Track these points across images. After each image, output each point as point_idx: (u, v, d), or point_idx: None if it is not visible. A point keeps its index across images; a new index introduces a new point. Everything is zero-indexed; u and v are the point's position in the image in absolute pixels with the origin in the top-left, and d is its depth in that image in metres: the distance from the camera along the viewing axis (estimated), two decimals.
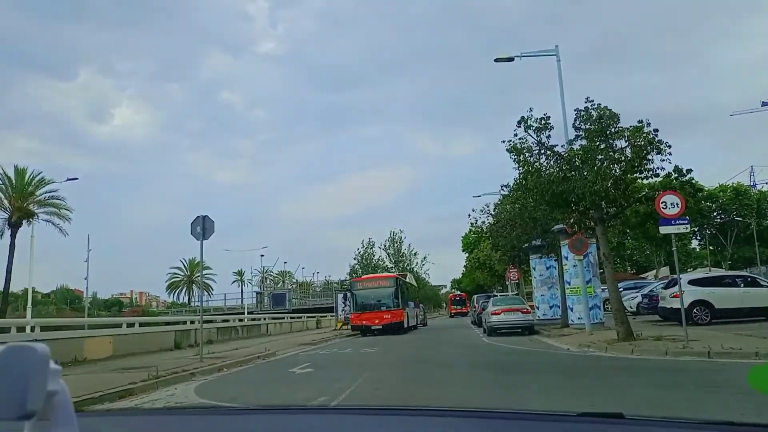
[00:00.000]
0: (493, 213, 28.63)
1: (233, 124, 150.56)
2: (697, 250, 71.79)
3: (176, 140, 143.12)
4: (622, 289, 33.84)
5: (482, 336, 22.58)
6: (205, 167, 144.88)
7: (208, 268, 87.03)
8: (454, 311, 68.88)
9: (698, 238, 68.52)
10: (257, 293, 65.66)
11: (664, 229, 13.24)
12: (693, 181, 13.78)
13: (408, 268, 66.94)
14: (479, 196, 34.33)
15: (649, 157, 14.13)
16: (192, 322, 23.95)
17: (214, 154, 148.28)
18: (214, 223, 14.47)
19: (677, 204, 13.19)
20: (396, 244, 65.51)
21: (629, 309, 28.16)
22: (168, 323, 22.24)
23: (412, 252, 67.33)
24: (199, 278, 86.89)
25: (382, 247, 62.51)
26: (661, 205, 13.23)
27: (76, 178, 34.66)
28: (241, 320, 31.17)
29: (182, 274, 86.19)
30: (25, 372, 0.71)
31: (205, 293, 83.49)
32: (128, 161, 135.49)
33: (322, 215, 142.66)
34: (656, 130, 14.11)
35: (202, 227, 14.34)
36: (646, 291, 25.86)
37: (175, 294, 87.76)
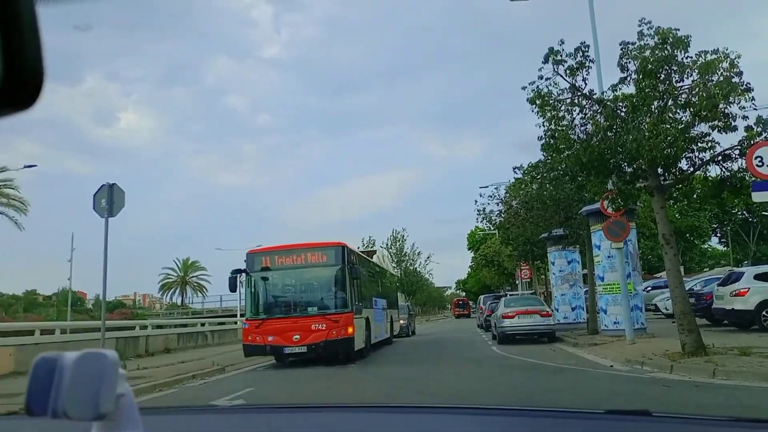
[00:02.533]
0: (503, 199, 24.43)
1: (238, 128, 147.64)
2: (711, 249, 67.49)
3: (181, 144, 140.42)
4: (650, 288, 29.87)
5: (492, 344, 18.53)
6: (209, 171, 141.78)
7: (202, 268, 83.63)
8: (457, 313, 71.15)
9: (718, 235, 64.41)
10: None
11: (758, 196, 9.22)
12: None
13: (411, 268, 63.06)
14: (486, 186, 29.84)
15: (731, 99, 10.06)
16: (143, 328, 20.00)
17: (218, 158, 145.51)
18: (125, 194, 10.49)
19: None
20: (399, 243, 61.73)
21: (664, 310, 24.12)
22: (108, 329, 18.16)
23: (416, 251, 63.55)
24: (193, 279, 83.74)
25: (384, 246, 58.31)
26: (755, 162, 9.20)
27: (34, 165, 30.85)
28: (211, 323, 27.10)
29: (175, 275, 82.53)
30: (98, 376, 0.75)
31: (199, 294, 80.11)
32: (133, 164, 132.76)
33: (328, 218, 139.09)
34: (738, 57, 10.06)
35: (109, 200, 10.37)
36: (687, 289, 21.63)
37: (168, 295, 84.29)
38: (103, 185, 10.52)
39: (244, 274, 14.81)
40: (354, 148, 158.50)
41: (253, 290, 14.79)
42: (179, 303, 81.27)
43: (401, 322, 25.79)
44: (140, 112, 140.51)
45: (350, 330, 13.88)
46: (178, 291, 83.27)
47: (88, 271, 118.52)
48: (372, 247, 55.58)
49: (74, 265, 46.16)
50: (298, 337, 13.70)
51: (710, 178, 11.13)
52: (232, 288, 15.20)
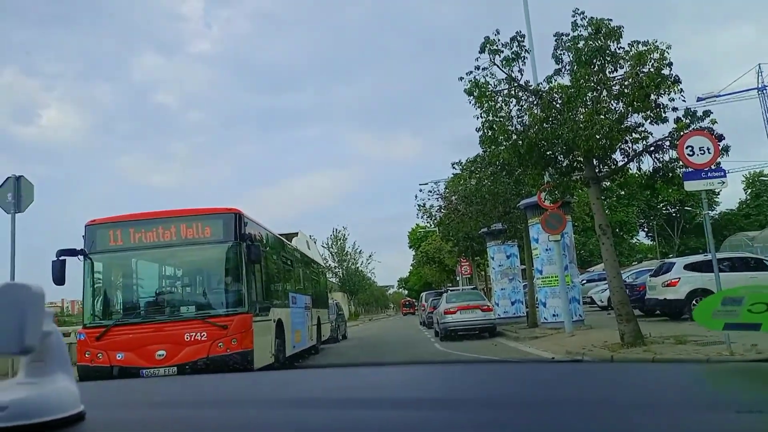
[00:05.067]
0: (443, 195, 24.46)
1: (167, 125, 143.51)
2: (639, 243, 70.59)
3: (108, 142, 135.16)
4: (585, 281, 30.60)
5: (434, 341, 18.37)
6: (138, 170, 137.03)
7: None
8: (405, 311, 71.80)
9: (645, 229, 67.39)
10: None
11: (690, 185, 9.33)
12: (713, 128, 9.79)
13: (353, 267, 62.74)
14: (425, 183, 29.89)
15: (662, 90, 10.21)
16: (66, 335, 18.71)
17: (147, 156, 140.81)
18: (34, 187, 9.59)
19: (709, 149, 9.30)
20: (340, 242, 61.26)
21: (599, 302, 24.74)
22: None
23: (357, 250, 63.33)
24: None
25: (325, 245, 57.66)
26: (686, 151, 9.31)
27: None
28: None
29: None
30: (22, 309, 0.69)
31: None
32: (57, 163, 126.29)
33: (263, 218, 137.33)
34: (669, 48, 10.23)
35: (16, 194, 9.45)
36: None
37: None
38: (9, 177, 9.57)
39: (81, 257, 9.56)
40: (289, 147, 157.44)
41: (93, 281, 9.62)
42: None
43: (331, 323, 21.41)
44: (63, 109, 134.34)
45: (246, 340, 9.36)
46: None
47: (8, 275, 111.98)
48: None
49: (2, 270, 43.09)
50: (163, 353, 9.03)
51: (644, 172, 11.30)
52: (58, 278, 9.14)
